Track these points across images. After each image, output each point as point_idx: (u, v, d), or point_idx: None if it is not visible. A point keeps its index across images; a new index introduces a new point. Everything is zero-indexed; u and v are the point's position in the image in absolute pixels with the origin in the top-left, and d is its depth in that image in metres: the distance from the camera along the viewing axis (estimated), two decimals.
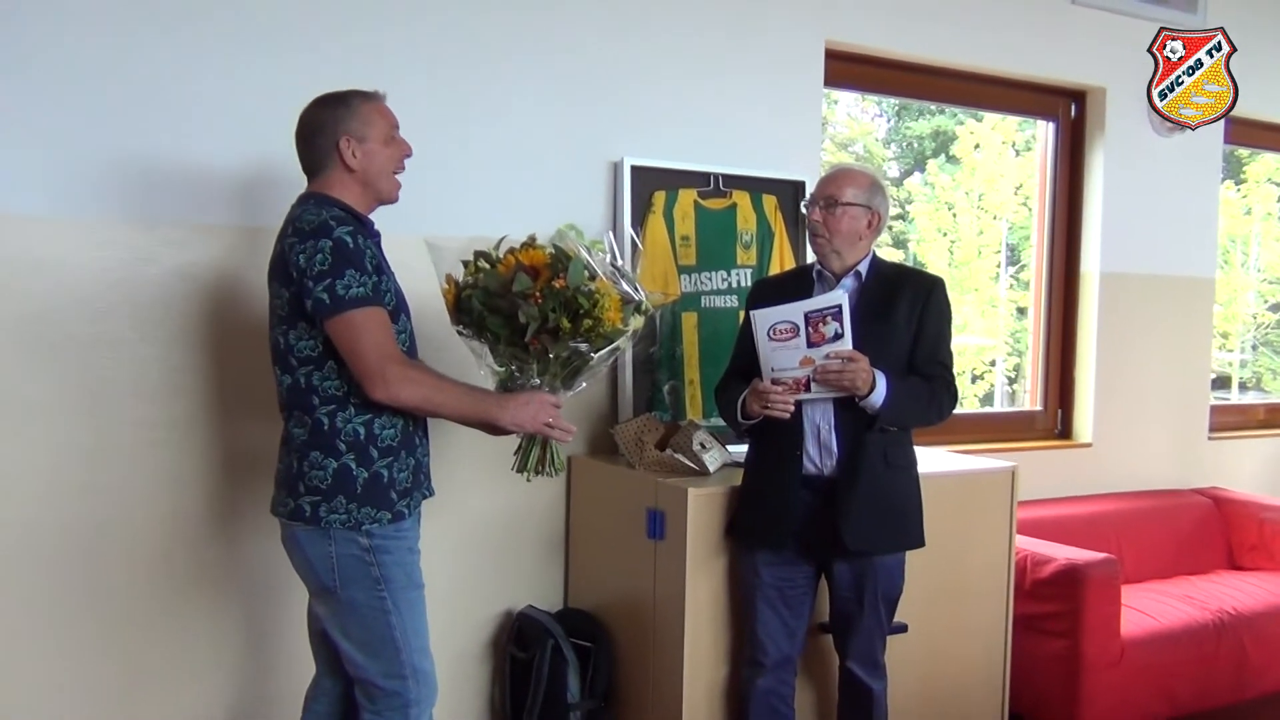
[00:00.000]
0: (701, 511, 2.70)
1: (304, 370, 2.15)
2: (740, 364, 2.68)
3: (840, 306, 2.42)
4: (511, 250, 2.31)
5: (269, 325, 2.22)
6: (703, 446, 2.86)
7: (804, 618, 2.67)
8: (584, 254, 2.26)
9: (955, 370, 2.66)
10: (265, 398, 2.73)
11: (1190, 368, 4.48)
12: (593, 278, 2.24)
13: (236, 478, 2.74)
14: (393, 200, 2.27)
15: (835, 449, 2.54)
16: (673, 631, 2.73)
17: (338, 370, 2.14)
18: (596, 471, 3.08)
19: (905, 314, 2.56)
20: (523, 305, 2.19)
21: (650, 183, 3.18)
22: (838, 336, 2.43)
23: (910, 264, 6.75)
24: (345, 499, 2.14)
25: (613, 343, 2.31)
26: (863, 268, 2.61)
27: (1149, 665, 3.43)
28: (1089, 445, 4.24)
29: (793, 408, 2.49)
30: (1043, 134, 4.33)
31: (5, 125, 2.46)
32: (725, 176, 3.31)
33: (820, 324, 2.43)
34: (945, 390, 2.58)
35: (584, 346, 2.26)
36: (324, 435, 2.14)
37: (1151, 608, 3.62)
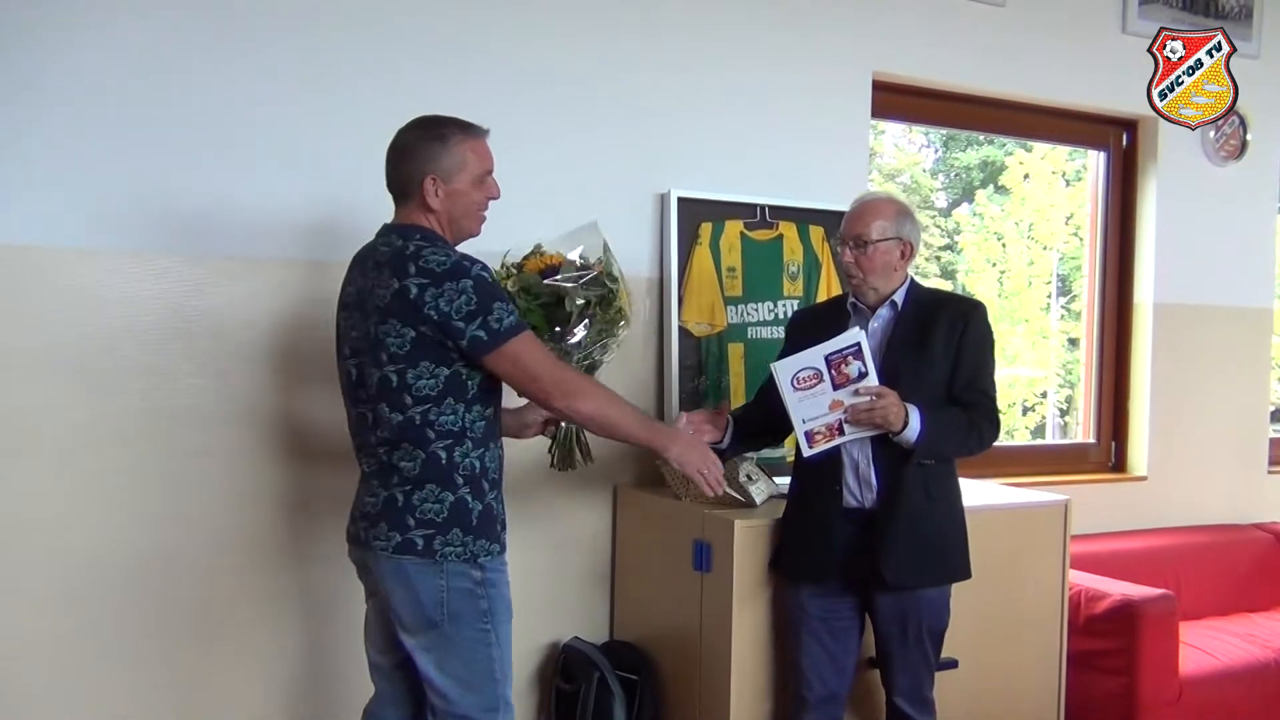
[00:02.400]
0: (748, 544, 2.68)
1: (420, 408, 2.13)
2: (763, 397, 2.67)
3: (859, 344, 2.40)
4: (532, 255, 2.64)
5: (369, 363, 2.16)
6: (749, 478, 2.84)
7: (851, 653, 2.63)
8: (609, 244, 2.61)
9: (998, 398, 2.60)
10: (318, 427, 2.77)
11: (1248, 400, 4.39)
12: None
13: (287, 507, 2.77)
14: (475, 235, 2.30)
15: (875, 482, 2.51)
16: (719, 664, 2.71)
17: (454, 406, 2.14)
18: (643, 503, 3.08)
19: (943, 341, 2.51)
20: (571, 288, 2.40)
21: (697, 214, 3.19)
22: (862, 375, 2.40)
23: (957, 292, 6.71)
24: (461, 532, 2.14)
25: (616, 337, 2.63)
26: (899, 297, 2.57)
27: (1208, 705, 3.34)
28: (1144, 479, 4.16)
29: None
30: (1094, 164, 4.29)
31: (61, 159, 2.51)
32: (772, 208, 3.31)
33: (842, 365, 2.40)
34: (986, 419, 2.52)
35: (597, 350, 2.55)
36: (442, 469, 2.14)
37: (1211, 645, 3.54)
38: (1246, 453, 4.40)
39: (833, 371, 2.41)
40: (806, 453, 2.47)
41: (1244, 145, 4.27)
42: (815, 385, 2.42)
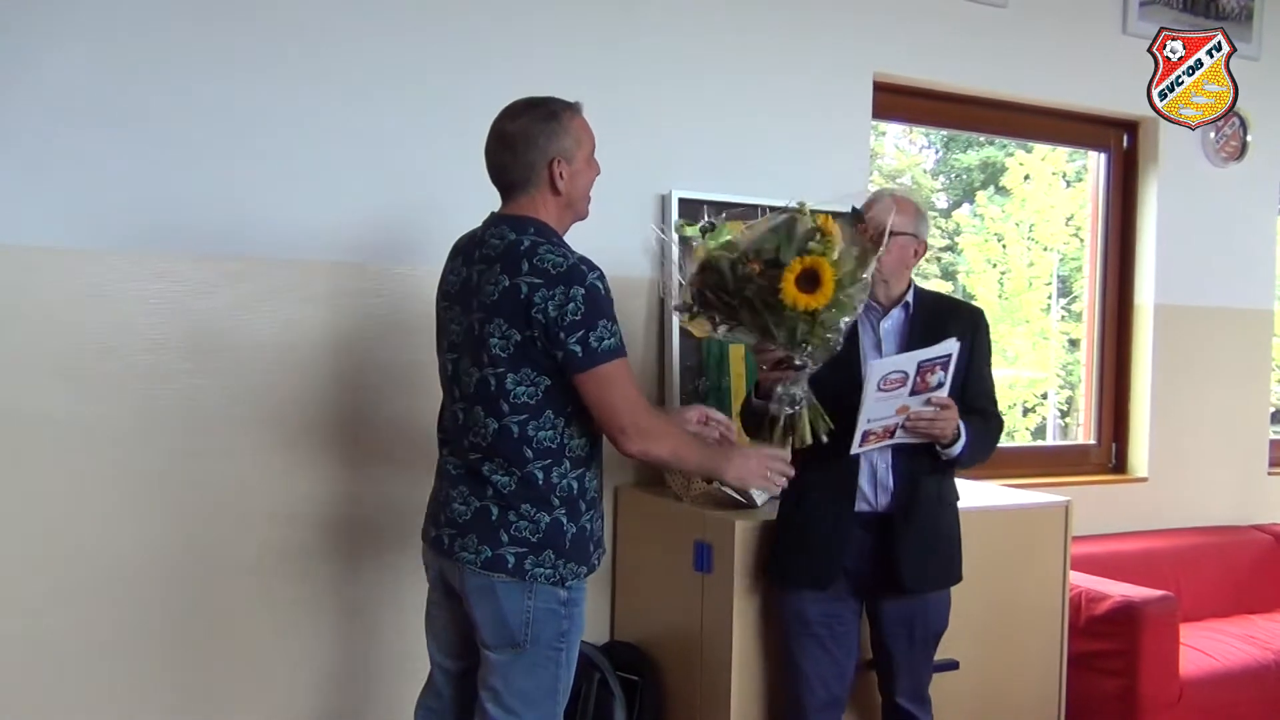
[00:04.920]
0: (749, 544, 2.68)
1: (517, 418, 2.06)
2: None
3: (951, 356, 2.38)
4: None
5: (470, 361, 2.11)
6: None
7: (852, 656, 2.63)
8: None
9: (1000, 404, 2.65)
10: (321, 427, 2.77)
11: (1249, 401, 4.39)
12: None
13: (290, 508, 2.76)
14: (585, 217, 2.23)
15: (891, 486, 2.51)
16: (720, 665, 2.71)
17: (553, 421, 2.08)
18: (643, 504, 3.08)
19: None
20: (812, 243, 2.20)
21: (698, 215, 3.18)
22: (939, 385, 2.39)
23: (958, 295, 6.70)
24: (553, 554, 2.09)
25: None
26: (910, 298, 2.58)
27: (1209, 706, 3.34)
28: (1144, 480, 4.16)
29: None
30: (1094, 165, 4.29)
31: (63, 160, 2.51)
32: (772, 208, 3.28)
33: (929, 373, 2.37)
34: (999, 428, 2.58)
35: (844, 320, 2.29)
36: (538, 489, 2.08)
37: (1211, 647, 3.54)
38: (1247, 454, 4.40)
39: (917, 378, 2.37)
40: (855, 450, 2.43)
41: (1244, 146, 4.27)
42: (897, 389, 2.37)
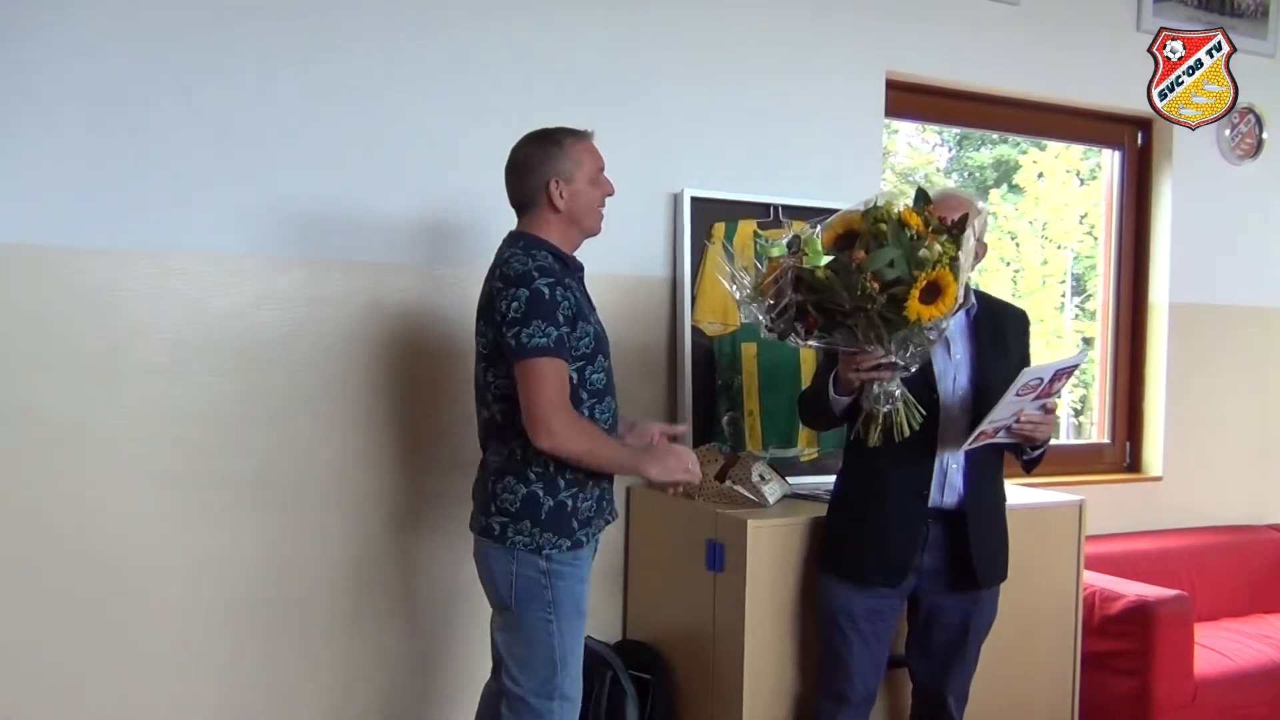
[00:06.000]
0: (761, 543, 2.68)
1: (499, 406, 2.30)
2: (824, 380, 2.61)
3: (1079, 365, 2.45)
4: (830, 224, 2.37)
5: (476, 360, 2.36)
6: (762, 478, 2.84)
7: (887, 653, 2.66)
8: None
9: None
10: (335, 425, 2.78)
11: (1264, 400, 4.37)
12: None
13: (305, 507, 2.77)
14: (596, 233, 2.41)
15: (960, 486, 2.54)
16: (732, 664, 2.71)
17: None
18: (656, 502, 3.08)
19: (1016, 348, 2.61)
20: (922, 246, 2.20)
21: (710, 214, 3.19)
22: (1057, 392, 2.44)
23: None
24: (530, 523, 2.27)
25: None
26: (973, 299, 2.59)
27: (1224, 706, 3.33)
28: (1159, 479, 4.15)
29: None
30: (1108, 162, 4.27)
31: (76, 158, 2.52)
32: (785, 207, 3.30)
33: (1057, 380, 2.41)
34: None
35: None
36: (518, 463, 2.28)
37: (1226, 646, 3.52)
38: (1262, 453, 4.38)
39: (1049, 385, 2.41)
40: (966, 447, 2.47)
41: (1260, 143, 4.25)
42: (1028, 395, 2.40)
